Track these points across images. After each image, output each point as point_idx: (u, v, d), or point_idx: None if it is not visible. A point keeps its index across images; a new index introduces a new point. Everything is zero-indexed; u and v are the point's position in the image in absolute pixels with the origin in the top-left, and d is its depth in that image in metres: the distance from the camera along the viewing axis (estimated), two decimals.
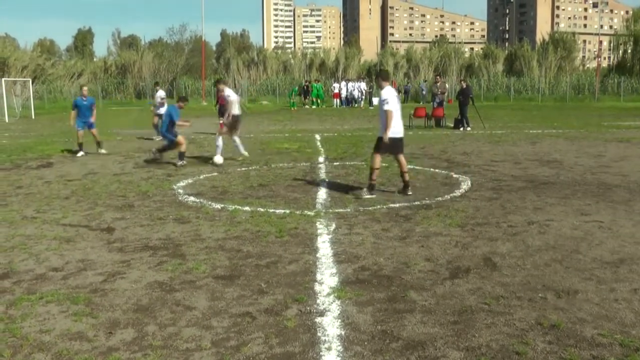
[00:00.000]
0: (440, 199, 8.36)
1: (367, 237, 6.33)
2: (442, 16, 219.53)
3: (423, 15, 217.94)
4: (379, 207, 7.83)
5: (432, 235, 6.38)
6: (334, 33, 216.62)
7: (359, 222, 6.99)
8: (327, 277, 5.04)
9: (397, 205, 7.94)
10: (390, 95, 8.39)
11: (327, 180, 10.17)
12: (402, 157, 8.62)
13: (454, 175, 10.46)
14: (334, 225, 6.82)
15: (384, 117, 8.35)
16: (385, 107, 8.31)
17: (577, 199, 8.29)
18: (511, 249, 5.81)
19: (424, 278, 4.99)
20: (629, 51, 60.47)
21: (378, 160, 8.59)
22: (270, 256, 5.69)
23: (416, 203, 8.04)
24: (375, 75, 13.06)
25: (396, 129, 8.41)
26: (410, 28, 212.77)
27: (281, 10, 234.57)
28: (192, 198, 8.65)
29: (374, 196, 8.44)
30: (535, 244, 5.99)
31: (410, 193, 8.57)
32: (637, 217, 7.09)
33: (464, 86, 21.64)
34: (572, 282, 4.84)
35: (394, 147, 8.47)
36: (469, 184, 9.60)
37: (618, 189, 9.00)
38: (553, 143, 15.87)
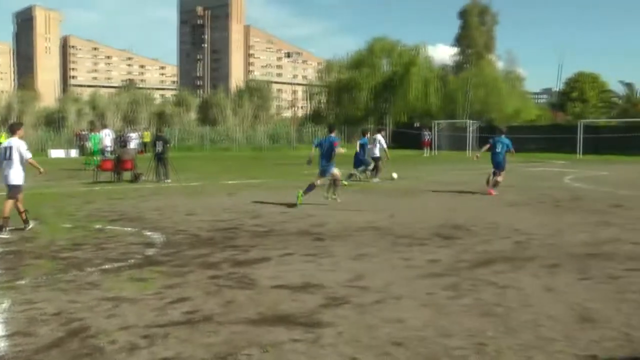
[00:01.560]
0: (132, 261, 8.24)
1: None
2: (130, 59, 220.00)
3: (109, 57, 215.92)
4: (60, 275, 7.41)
5: (125, 301, 6.24)
6: (4, 73, 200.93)
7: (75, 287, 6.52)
8: None
9: (88, 270, 7.60)
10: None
11: None
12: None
13: (147, 233, 10.41)
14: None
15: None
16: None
17: (277, 248, 8.90)
18: (213, 307, 5.95)
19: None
20: (323, 101, 67.66)
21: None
22: None
23: (106, 267, 7.80)
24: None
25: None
26: (95, 71, 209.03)
27: None
28: None
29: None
30: (238, 299, 6.24)
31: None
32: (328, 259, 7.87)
33: (161, 134, 21.89)
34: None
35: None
36: (162, 240, 9.65)
37: (311, 236, 9.90)
38: (252, 194, 16.81)
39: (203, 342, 4.99)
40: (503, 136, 17.44)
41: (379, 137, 22.49)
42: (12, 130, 11.28)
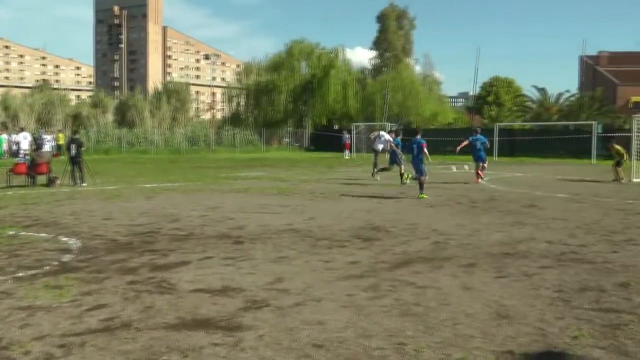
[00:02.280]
0: (47, 268, 7.99)
1: None
2: (44, 58, 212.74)
3: (22, 56, 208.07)
4: None
5: (40, 309, 6.05)
6: None
7: None
8: None
9: (0, 278, 7.32)
10: None
11: None
12: None
13: (62, 239, 10.11)
14: None
15: None
16: None
17: (184, 252, 8.82)
18: (131, 313, 5.85)
19: None
20: (242, 103, 67.34)
21: None
22: None
23: (20, 275, 7.54)
24: None
25: None
26: (7, 70, 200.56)
27: None
28: None
29: None
30: (157, 304, 6.16)
31: None
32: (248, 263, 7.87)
33: (76, 137, 21.28)
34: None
35: None
36: (79, 246, 9.40)
37: (231, 239, 9.87)
38: (169, 197, 16.58)
39: (121, 349, 4.90)
40: (478, 135, 21.36)
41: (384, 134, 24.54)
42: None
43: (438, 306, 6.11)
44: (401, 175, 20.94)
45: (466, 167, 24.72)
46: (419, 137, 17.22)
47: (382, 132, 24.34)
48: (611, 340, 5.12)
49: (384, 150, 23.41)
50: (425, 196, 16.18)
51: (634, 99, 65.53)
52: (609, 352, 4.83)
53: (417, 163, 16.95)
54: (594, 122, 43.05)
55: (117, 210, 13.91)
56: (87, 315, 5.82)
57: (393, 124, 51.45)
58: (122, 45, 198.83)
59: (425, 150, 16.83)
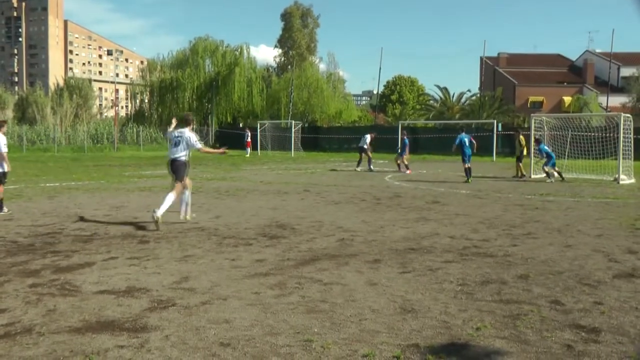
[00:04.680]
0: None
1: None
2: None
3: None
4: None
5: None
6: None
7: None
8: None
9: None
10: None
11: None
12: None
13: None
14: None
15: None
16: None
17: (99, 252, 8.59)
18: (33, 317, 5.63)
19: None
20: (146, 100, 65.93)
21: None
22: None
23: None
24: None
25: None
26: None
27: None
28: None
29: None
30: (61, 307, 5.96)
31: None
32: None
33: None
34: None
35: None
36: None
37: (136, 239, 9.67)
38: (73, 196, 16.03)
39: (22, 355, 4.70)
40: (463, 133, 22.99)
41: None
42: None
43: (344, 302, 6.18)
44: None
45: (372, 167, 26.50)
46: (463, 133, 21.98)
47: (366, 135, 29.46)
48: (512, 330, 5.33)
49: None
50: None
51: (532, 98, 68.52)
52: (510, 342, 5.03)
53: (468, 152, 21.92)
54: (494, 121, 44.77)
55: (18, 210, 13.33)
56: None
57: (297, 122, 51.75)
58: (22, 39, 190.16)
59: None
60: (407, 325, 5.46)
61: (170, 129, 11.98)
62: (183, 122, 11.71)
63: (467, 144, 22.28)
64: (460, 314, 5.82)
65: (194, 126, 12.08)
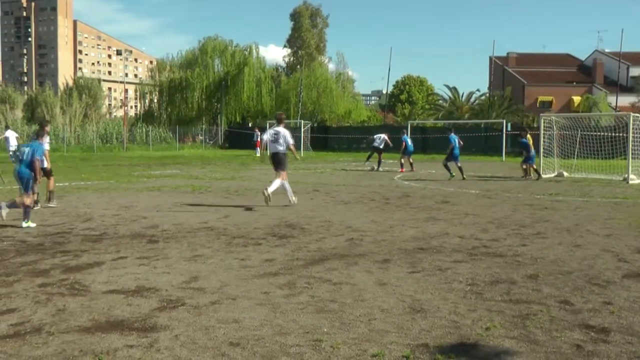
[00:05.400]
0: None
1: None
2: None
3: None
4: None
5: None
6: None
7: None
8: None
9: None
10: None
11: None
12: None
13: None
14: None
15: None
16: None
17: (109, 252, 8.61)
18: (43, 317, 5.66)
19: None
20: (155, 100, 66.07)
21: None
22: None
23: None
24: None
25: None
26: None
27: None
28: None
29: None
30: (70, 306, 5.98)
31: None
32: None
33: None
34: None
35: None
36: None
37: (145, 238, 9.69)
38: (82, 196, 16.09)
39: (32, 354, 4.72)
40: (452, 134, 23.74)
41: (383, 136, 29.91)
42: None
43: (353, 302, 6.17)
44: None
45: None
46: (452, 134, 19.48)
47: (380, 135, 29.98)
48: (521, 330, 5.31)
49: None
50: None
51: (542, 98, 68.29)
52: (519, 342, 5.00)
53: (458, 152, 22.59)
54: (503, 121, 44.62)
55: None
56: None
57: (307, 121, 51.75)
58: (31, 39, 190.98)
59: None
60: (417, 325, 5.44)
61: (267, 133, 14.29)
62: (278, 121, 14.17)
63: (456, 144, 23.03)
64: (470, 313, 5.80)
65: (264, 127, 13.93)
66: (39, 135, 12.55)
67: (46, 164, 13.88)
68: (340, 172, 27.30)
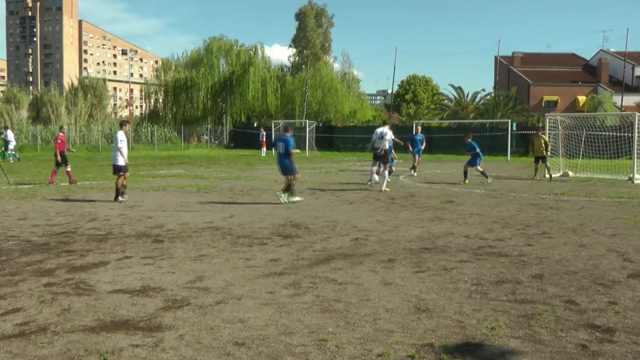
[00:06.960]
0: None
1: None
2: None
3: None
4: None
5: None
6: None
7: None
8: None
9: None
10: None
11: None
12: None
13: None
14: None
15: None
16: None
17: (114, 252, 8.63)
18: (48, 316, 5.67)
19: None
20: (160, 100, 66.12)
21: None
22: None
23: None
24: None
25: None
26: None
27: None
28: None
29: None
30: (75, 306, 5.99)
31: None
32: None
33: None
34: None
35: None
36: None
37: (150, 238, 9.70)
38: (87, 196, 16.12)
39: (37, 354, 4.73)
40: (418, 134, 25.74)
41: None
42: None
43: (358, 302, 6.17)
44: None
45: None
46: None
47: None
48: (526, 329, 5.31)
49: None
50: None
51: (547, 97, 68.10)
52: (525, 342, 5.01)
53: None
54: (508, 120, 44.51)
55: (32, 209, 13.42)
56: (1, 320, 5.58)
57: (312, 121, 51.72)
58: (37, 39, 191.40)
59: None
60: (422, 325, 5.44)
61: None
62: (384, 123, 19.36)
63: (418, 142, 24.78)
64: (475, 313, 5.79)
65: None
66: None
67: (121, 162, 15.12)
68: (345, 172, 27.29)
